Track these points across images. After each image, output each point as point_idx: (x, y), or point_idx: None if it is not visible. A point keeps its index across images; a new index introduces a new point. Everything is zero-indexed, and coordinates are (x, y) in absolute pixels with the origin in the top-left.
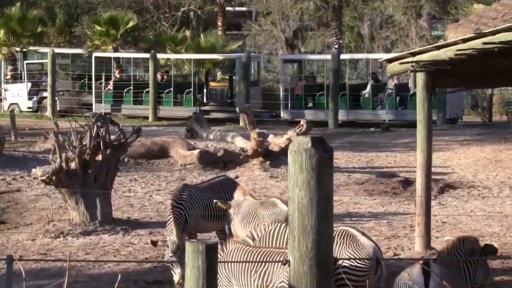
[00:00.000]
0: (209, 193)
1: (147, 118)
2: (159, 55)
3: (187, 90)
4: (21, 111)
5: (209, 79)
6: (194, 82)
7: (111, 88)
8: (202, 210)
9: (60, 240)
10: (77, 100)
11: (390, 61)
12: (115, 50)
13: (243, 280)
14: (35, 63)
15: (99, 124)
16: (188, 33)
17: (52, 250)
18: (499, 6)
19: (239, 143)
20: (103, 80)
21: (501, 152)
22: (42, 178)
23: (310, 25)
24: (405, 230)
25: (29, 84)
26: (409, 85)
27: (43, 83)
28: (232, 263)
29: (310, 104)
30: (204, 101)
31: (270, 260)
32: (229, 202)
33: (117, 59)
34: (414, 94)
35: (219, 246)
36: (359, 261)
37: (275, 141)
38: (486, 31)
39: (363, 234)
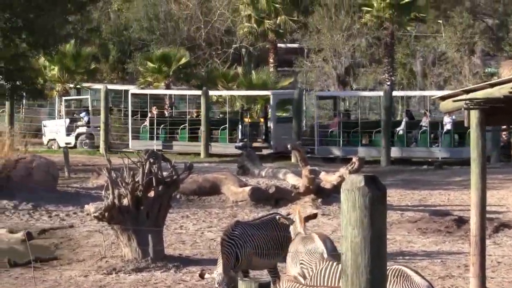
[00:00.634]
0: (262, 230)
1: (198, 154)
2: (211, 92)
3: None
4: (59, 147)
5: (245, 116)
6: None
7: (148, 124)
8: (255, 248)
9: (112, 276)
10: (119, 136)
11: (443, 98)
12: (167, 86)
13: None
14: (73, 99)
15: (151, 161)
16: (240, 69)
17: (105, 287)
18: None
19: (291, 180)
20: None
21: None
22: (95, 214)
23: (362, 62)
24: (459, 269)
25: (67, 120)
26: (444, 121)
27: (82, 119)
28: None
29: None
30: (240, 137)
31: None
32: (291, 218)
33: (159, 96)
34: (468, 131)
35: (271, 285)
36: None
37: (327, 178)
38: None
39: (417, 273)
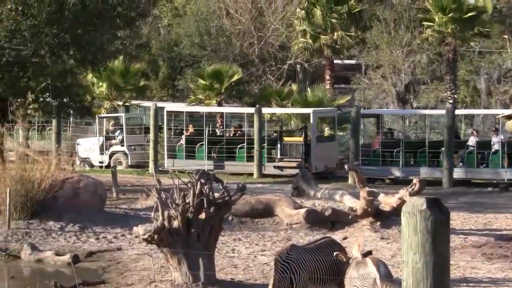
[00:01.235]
0: (318, 255)
1: (251, 175)
2: (264, 110)
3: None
4: (92, 166)
5: (283, 134)
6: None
7: (184, 142)
8: (310, 273)
9: None
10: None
11: (509, 117)
12: (219, 104)
13: None
14: (108, 117)
15: (202, 181)
16: (294, 86)
17: None
18: None
19: (348, 202)
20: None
21: None
22: (144, 236)
23: (422, 79)
24: None
25: (101, 139)
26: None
27: (116, 138)
28: None
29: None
30: (279, 156)
31: None
32: (348, 256)
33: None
34: None
35: None
36: None
37: (386, 201)
38: None
39: None
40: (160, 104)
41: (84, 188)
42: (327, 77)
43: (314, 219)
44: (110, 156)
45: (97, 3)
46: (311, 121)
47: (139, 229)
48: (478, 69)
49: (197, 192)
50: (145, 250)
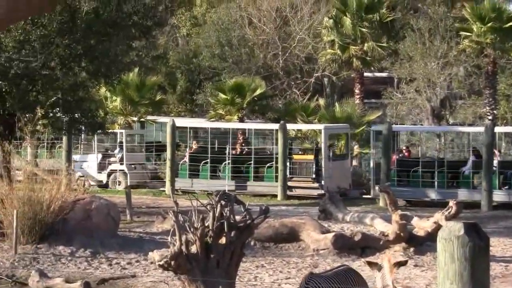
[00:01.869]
0: (336, 284)
1: (275, 196)
2: (289, 126)
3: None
4: (89, 185)
5: (294, 152)
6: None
7: (188, 160)
8: None
9: None
10: (150, 173)
11: None
12: (241, 120)
13: None
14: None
15: (223, 203)
16: (321, 101)
17: None
18: None
19: (379, 226)
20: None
21: None
22: (160, 262)
23: (459, 93)
24: None
25: (100, 156)
26: None
27: (116, 156)
28: None
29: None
30: (288, 175)
31: None
32: None
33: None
34: None
35: None
36: None
37: (420, 225)
38: None
39: None
40: (178, 121)
41: (96, 210)
42: (357, 91)
43: (343, 244)
44: (109, 175)
45: (111, 11)
46: (322, 138)
47: (154, 255)
48: None
49: (217, 215)
50: (161, 277)
